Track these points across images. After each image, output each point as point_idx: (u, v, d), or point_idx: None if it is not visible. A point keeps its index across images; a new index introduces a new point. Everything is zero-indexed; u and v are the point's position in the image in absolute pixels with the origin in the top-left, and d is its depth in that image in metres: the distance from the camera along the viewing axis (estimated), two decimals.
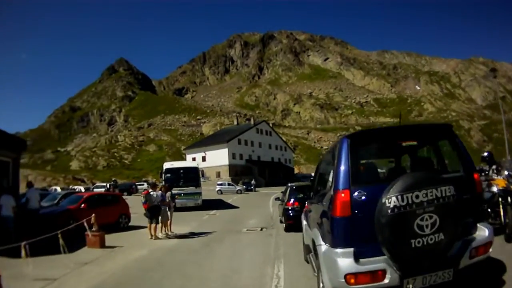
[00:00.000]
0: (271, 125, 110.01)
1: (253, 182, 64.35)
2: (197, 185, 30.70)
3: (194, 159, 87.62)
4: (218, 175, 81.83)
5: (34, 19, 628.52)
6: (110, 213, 18.86)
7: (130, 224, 20.37)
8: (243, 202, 38.76)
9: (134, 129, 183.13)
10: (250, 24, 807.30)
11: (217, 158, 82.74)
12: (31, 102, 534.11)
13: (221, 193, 54.09)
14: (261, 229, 17.81)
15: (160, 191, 16.93)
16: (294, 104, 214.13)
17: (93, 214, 14.42)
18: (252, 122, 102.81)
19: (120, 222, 19.59)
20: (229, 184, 58.83)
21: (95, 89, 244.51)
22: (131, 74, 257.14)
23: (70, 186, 59.71)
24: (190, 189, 30.03)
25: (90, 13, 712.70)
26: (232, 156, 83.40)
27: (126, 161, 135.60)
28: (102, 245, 13.88)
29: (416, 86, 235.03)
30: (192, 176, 30.86)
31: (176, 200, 25.16)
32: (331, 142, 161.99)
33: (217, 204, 35.49)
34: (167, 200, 17.12)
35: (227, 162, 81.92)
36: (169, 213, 16.98)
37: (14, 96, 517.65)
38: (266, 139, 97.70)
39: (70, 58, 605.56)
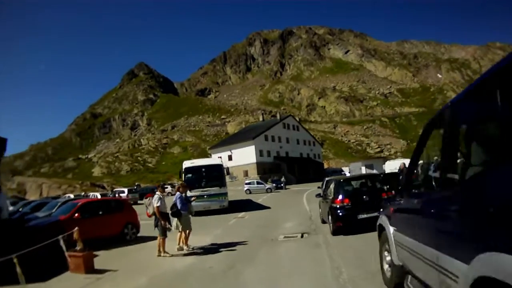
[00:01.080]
0: (297, 119, 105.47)
1: (283, 179, 60.44)
2: (222, 184, 27.05)
3: (220, 158, 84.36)
4: (246, 174, 78.25)
5: (51, 31, 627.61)
6: (113, 223, 15.59)
7: (139, 234, 16.83)
8: (274, 201, 34.96)
9: (158, 132, 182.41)
10: (268, 21, 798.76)
11: (243, 156, 79.06)
12: (51, 112, 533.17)
13: (250, 193, 50.84)
14: (302, 235, 14.14)
15: (178, 192, 13.40)
16: (319, 98, 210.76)
17: (78, 228, 10.83)
18: (278, 117, 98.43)
19: (125, 234, 16.13)
20: (258, 183, 54.95)
21: (116, 95, 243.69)
22: (151, 77, 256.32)
23: (83, 193, 56.24)
24: (214, 190, 26.27)
25: (108, 18, 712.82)
26: (259, 153, 79.51)
27: (150, 165, 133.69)
28: (89, 269, 10.34)
29: (438, 74, 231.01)
30: (216, 174, 27.22)
31: (198, 203, 22.89)
32: (358, 135, 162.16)
33: (246, 205, 31.97)
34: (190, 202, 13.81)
35: (254, 160, 78.00)
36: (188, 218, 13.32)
37: (34, 107, 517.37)
38: (293, 134, 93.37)
39: (90, 65, 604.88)
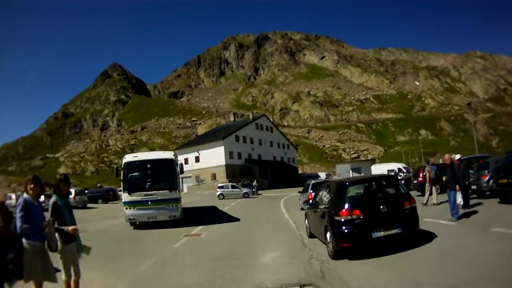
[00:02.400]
0: (271, 120, 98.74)
1: (254, 183, 53.15)
2: (173, 186, 19.36)
3: (186, 160, 77.49)
4: (214, 177, 71.10)
5: (26, 27, 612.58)
6: None
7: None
8: (245, 210, 27.97)
9: (127, 133, 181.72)
10: (244, 25, 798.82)
11: (212, 158, 71.54)
12: (25, 111, 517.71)
13: (223, 198, 44.62)
14: None
15: (25, 195, 6.20)
16: (293, 103, 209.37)
17: None
18: (250, 117, 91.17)
19: None
20: (233, 187, 48.09)
21: (88, 95, 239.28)
22: (125, 79, 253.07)
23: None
24: (162, 194, 18.79)
25: (83, 18, 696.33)
26: (229, 155, 72.02)
27: (116, 166, 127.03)
28: None
29: (416, 82, 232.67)
30: (166, 173, 19.62)
31: (140, 212, 18.62)
32: (333, 141, 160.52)
33: (208, 215, 25.06)
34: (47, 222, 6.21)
35: (223, 162, 70.45)
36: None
37: (7, 106, 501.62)
38: (267, 136, 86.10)
39: (63, 65, 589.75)
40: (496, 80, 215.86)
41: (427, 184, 18.26)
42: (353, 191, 10.72)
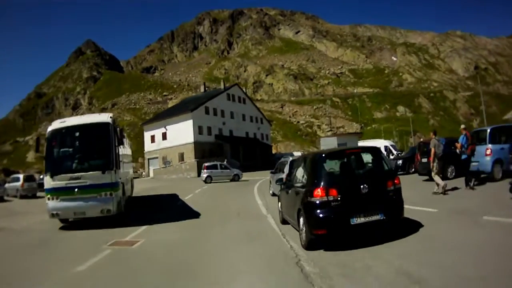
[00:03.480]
0: (244, 90, 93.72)
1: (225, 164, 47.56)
2: (107, 165, 13.86)
3: (152, 138, 72.27)
4: (182, 157, 65.74)
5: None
6: None
7: None
8: (211, 199, 23.38)
9: (97, 111, 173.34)
10: (219, 1, 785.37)
11: (180, 134, 65.85)
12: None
13: (211, 181, 38.87)
14: None
15: None
16: (266, 76, 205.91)
17: None
18: (222, 86, 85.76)
19: None
20: (222, 167, 41.54)
21: (62, 73, 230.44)
22: (98, 55, 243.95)
23: None
24: (92, 177, 13.62)
25: None
26: (199, 130, 66.30)
27: (37, 137, 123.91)
28: None
29: (393, 57, 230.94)
30: (97, 146, 14.55)
31: (64, 204, 13.51)
32: (307, 116, 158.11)
33: (161, 207, 20.46)
34: None
35: (192, 139, 64.86)
36: None
37: None
38: (239, 108, 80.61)
39: (36, 44, 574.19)
40: (476, 59, 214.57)
41: (432, 164, 14.92)
42: (329, 166, 9.47)
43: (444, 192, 14.15)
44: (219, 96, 76.50)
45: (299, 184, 9.49)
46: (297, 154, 67.61)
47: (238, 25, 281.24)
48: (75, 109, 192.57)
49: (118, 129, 15.29)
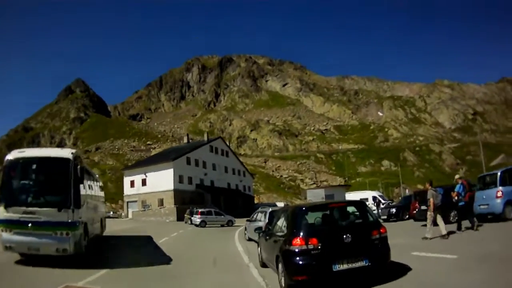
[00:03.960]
0: (227, 144, 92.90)
1: (219, 210, 46.23)
2: (65, 203, 12.38)
3: (132, 183, 70.67)
4: (161, 202, 64.03)
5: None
6: None
7: None
8: (187, 244, 21.76)
9: (81, 153, 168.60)
10: (208, 48, 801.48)
11: (160, 182, 64.42)
12: None
13: (205, 225, 38.23)
14: None
15: None
16: (251, 131, 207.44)
17: None
18: (205, 138, 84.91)
19: None
20: (216, 213, 41.63)
21: (50, 110, 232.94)
22: (87, 96, 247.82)
23: None
24: (47, 214, 12.15)
25: (49, 30, 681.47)
26: (179, 179, 65.29)
27: None
28: None
29: (379, 112, 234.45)
30: (55, 181, 13.10)
31: (18, 238, 12.00)
32: (291, 171, 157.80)
33: (131, 249, 18.68)
34: None
35: (171, 187, 63.61)
36: None
37: None
38: (221, 160, 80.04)
39: (28, 78, 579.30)
40: (464, 110, 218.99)
41: (429, 213, 14.81)
42: (312, 218, 9.57)
43: (434, 236, 14.29)
44: (202, 147, 76.08)
45: (279, 233, 9.55)
46: (280, 204, 66.08)
47: (227, 74, 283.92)
48: (60, 147, 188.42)
49: (79, 166, 13.57)
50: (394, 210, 28.78)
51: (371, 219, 8.97)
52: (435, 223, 14.46)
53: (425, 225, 15.14)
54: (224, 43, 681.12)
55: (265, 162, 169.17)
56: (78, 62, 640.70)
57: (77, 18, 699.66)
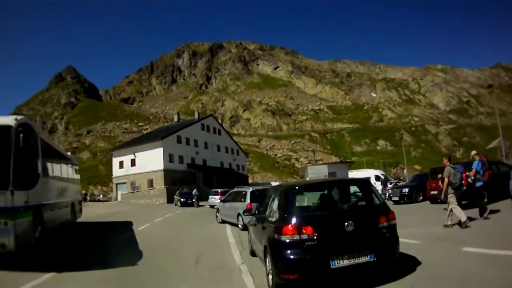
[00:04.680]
0: (220, 122, 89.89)
1: (195, 192, 43.18)
2: (1, 182, 8.82)
3: (121, 163, 67.87)
4: (151, 183, 61.55)
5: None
6: None
7: None
8: (170, 230, 18.75)
9: (72, 136, 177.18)
10: (199, 33, 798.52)
11: (149, 162, 62.08)
12: None
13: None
14: None
15: None
16: (244, 111, 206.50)
17: None
18: (196, 116, 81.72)
19: None
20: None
21: (41, 97, 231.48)
22: (78, 82, 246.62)
23: None
24: None
25: (39, 18, 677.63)
26: (169, 158, 62.63)
27: None
28: None
29: (372, 93, 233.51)
30: None
31: None
32: (285, 150, 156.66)
33: (101, 240, 15.65)
34: None
35: (161, 167, 61.11)
36: None
37: None
38: (213, 139, 77.18)
39: (18, 66, 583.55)
40: (458, 93, 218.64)
41: (444, 194, 12.35)
42: (309, 200, 9.26)
43: (465, 226, 11.66)
44: (193, 125, 73.54)
45: (270, 219, 7.87)
46: (275, 183, 63.42)
47: (217, 59, 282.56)
48: (52, 133, 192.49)
49: (29, 136, 10.19)
50: (406, 190, 25.47)
51: (377, 201, 7.49)
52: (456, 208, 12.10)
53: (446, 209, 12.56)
54: (214, 29, 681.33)
55: (259, 141, 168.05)
56: (69, 48, 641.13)
57: (67, 4, 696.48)
